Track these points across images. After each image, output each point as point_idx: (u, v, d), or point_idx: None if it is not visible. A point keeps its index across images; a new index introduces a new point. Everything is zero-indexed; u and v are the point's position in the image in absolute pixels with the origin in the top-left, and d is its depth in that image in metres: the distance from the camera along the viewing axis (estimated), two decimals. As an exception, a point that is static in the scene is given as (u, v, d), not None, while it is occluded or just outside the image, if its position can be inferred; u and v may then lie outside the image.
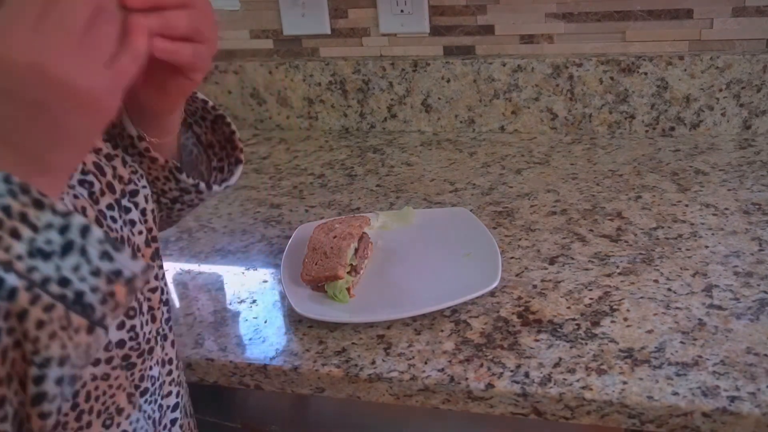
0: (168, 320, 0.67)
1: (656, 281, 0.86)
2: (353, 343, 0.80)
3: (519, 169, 1.19)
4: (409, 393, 0.75)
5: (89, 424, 0.55)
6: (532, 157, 1.24)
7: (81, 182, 0.56)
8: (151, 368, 0.63)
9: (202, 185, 0.70)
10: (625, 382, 0.71)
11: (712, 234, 0.94)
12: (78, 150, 0.46)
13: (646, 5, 1.23)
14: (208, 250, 1.03)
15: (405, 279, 0.90)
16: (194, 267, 0.99)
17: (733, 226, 0.96)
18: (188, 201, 0.73)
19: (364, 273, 0.91)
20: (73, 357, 0.43)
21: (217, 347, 0.82)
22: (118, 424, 0.58)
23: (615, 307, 0.82)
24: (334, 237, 0.90)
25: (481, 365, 0.75)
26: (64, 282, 0.42)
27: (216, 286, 0.95)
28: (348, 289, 0.85)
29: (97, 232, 0.44)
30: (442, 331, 0.80)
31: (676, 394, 0.69)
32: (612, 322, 0.79)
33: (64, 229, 0.42)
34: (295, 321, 0.85)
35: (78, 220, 0.43)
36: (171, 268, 0.99)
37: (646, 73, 1.24)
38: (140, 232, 0.62)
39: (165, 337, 0.66)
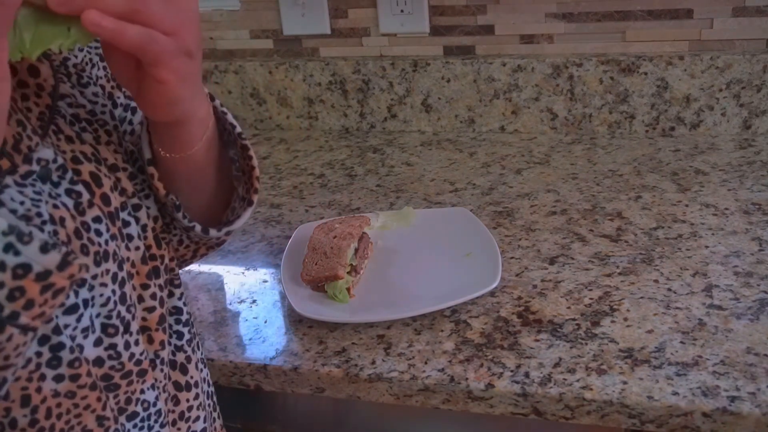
0: (180, 347, 0.64)
1: (656, 281, 0.86)
2: (353, 343, 0.80)
3: (519, 169, 1.19)
4: (409, 393, 0.75)
5: None
6: (532, 157, 1.24)
7: (68, 192, 0.53)
8: (143, 392, 0.59)
9: (197, 228, 0.65)
10: (625, 382, 0.71)
11: (712, 234, 0.94)
12: None
13: (646, 5, 1.23)
14: (208, 250, 1.03)
15: (405, 279, 0.90)
16: (194, 267, 0.99)
17: (733, 226, 0.96)
18: (199, 241, 0.70)
19: (364, 273, 0.91)
20: None
21: (217, 347, 0.82)
22: None
23: (615, 307, 0.82)
24: (334, 237, 0.90)
25: (481, 365, 0.75)
26: None
27: (216, 286, 0.95)
28: (348, 289, 0.85)
29: (0, 224, 0.41)
30: (442, 331, 0.80)
31: (676, 394, 0.69)
32: (612, 322, 0.79)
33: None
34: (295, 321, 0.85)
35: None
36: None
37: (646, 73, 1.24)
38: (137, 248, 0.59)
39: (172, 363, 0.63)
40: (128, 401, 0.58)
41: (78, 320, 0.52)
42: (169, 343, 0.63)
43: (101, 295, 0.54)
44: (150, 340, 0.60)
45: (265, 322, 0.86)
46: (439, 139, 1.36)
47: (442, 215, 1.03)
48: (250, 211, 0.68)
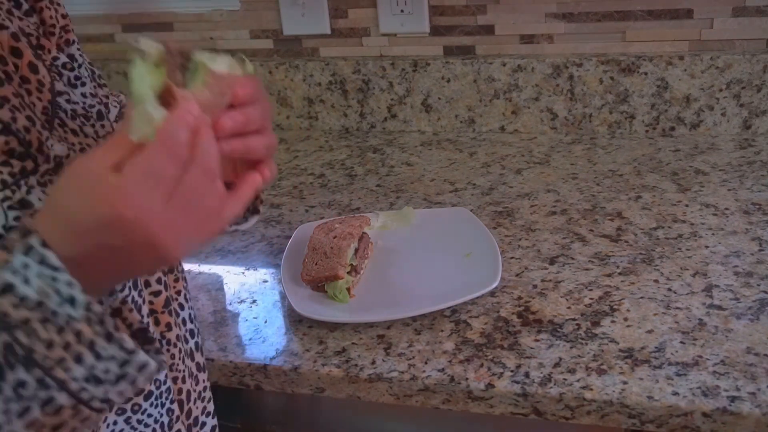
0: (192, 332, 0.67)
1: (656, 281, 0.86)
2: (353, 343, 0.80)
3: (519, 169, 1.19)
4: (409, 393, 0.75)
5: None
6: (532, 157, 1.24)
7: None
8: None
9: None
10: (625, 382, 0.70)
11: (712, 234, 0.94)
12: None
13: (646, 5, 1.23)
14: (208, 250, 1.03)
15: (405, 279, 0.90)
16: (194, 267, 0.99)
17: (733, 226, 0.96)
18: None
19: (364, 273, 0.91)
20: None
21: (217, 347, 0.82)
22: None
23: (615, 307, 0.82)
24: (334, 237, 0.90)
25: (481, 365, 0.75)
26: (106, 401, 0.46)
27: (216, 286, 0.95)
28: (348, 289, 0.85)
29: (151, 367, 0.47)
30: (442, 331, 0.80)
31: (676, 394, 0.69)
32: (612, 322, 0.79)
33: (124, 364, 0.45)
34: (295, 321, 0.85)
35: (139, 358, 0.46)
36: (171, 268, 0.99)
37: (646, 73, 1.24)
38: None
39: (171, 343, 0.65)
40: None
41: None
42: (176, 325, 0.66)
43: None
44: (156, 323, 0.63)
45: (265, 322, 0.86)
46: (439, 139, 1.36)
47: (442, 215, 1.03)
48: (256, 218, 0.71)
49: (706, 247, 0.92)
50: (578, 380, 0.71)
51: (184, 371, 0.67)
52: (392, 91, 1.38)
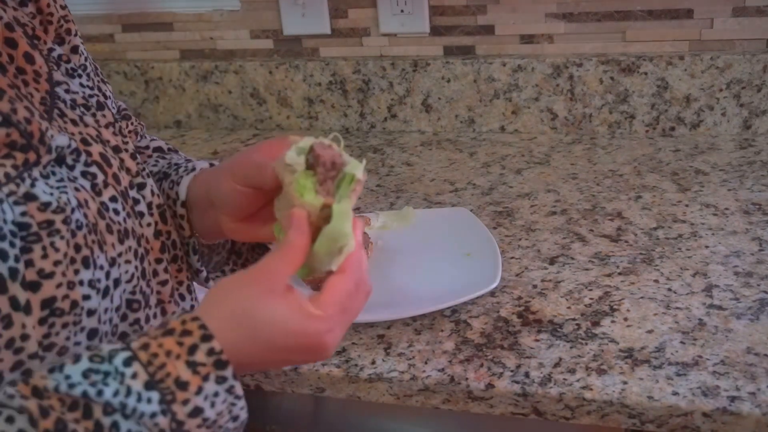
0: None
1: (656, 281, 0.86)
2: (353, 343, 0.80)
3: (519, 169, 1.19)
4: (409, 393, 0.75)
5: None
6: (532, 157, 1.24)
7: (84, 174, 0.55)
8: None
9: (201, 276, 0.70)
10: (625, 382, 0.71)
11: (713, 234, 0.94)
12: None
13: (646, 5, 1.23)
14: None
15: (405, 279, 0.90)
16: (194, 267, 0.99)
17: (733, 226, 0.96)
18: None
19: (364, 273, 0.91)
20: None
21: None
22: None
23: (615, 307, 0.82)
24: (334, 237, 0.90)
25: (481, 365, 0.75)
26: None
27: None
28: (348, 289, 0.85)
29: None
30: (442, 331, 0.80)
31: (676, 394, 0.69)
32: (612, 322, 0.79)
33: None
34: (295, 321, 0.85)
35: None
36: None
37: (646, 73, 1.24)
38: (149, 224, 0.62)
39: None
40: None
41: (111, 301, 0.55)
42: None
43: (126, 271, 0.57)
44: (164, 312, 0.63)
45: (265, 322, 0.86)
46: (439, 139, 1.36)
47: (442, 215, 1.03)
48: None
49: (706, 247, 0.92)
50: (578, 380, 0.71)
51: None
52: (392, 91, 1.38)
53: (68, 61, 0.63)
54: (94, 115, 0.60)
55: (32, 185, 0.49)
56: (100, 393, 0.45)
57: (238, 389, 0.49)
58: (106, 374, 0.46)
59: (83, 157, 0.55)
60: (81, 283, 0.51)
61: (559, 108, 1.31)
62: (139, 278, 0.58)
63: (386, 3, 1.33)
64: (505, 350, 0.77)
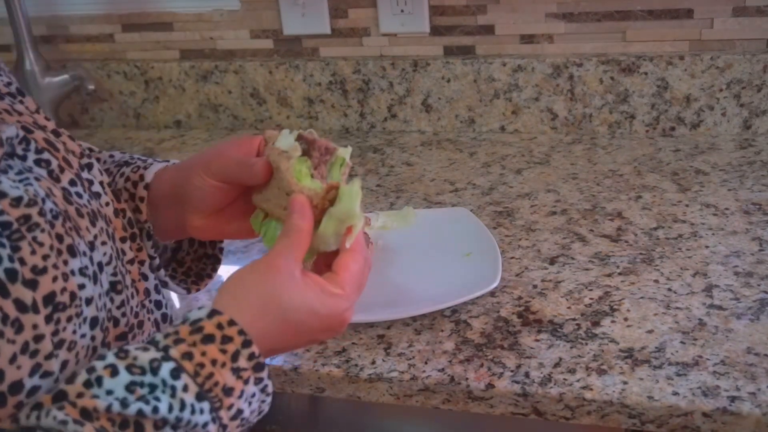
0: (159, 303, 0.65)
1: (656, 281, 0.86)
2: (353, 343, 0.80)
3: (519, 169, 1.19)
4: (409, 393, 0.75)
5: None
6: (532, 157, 1.24)
7: (37, 162, 0.53)
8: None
9: (159, 271, 0.69)
10: (625, 382, 0.70)
11: (713, 234, 0.94)
12: None
13: (646, 5, 1.23)
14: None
15: (405, 279, 0.90)
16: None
17: (733, 226, 0.96)
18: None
19: (364, 273, 0.91)
20: None
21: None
22: None
23: (615, 307, 0.82)
24: (334, 237, 0.90)
25: (481, 365, 0.75)
26: None
27: (216, 287, 0.94)
28: (348, 289, 0.85)
29: None
30: (442, 331, 0.80)
31: (676, 394, 0.69)
32: (612, 322, 0.79)
33: None
34: (295, 321, 0.85)
35: None
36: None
37: (646, 73, 1.24)
38: (107, 204, 0.60)
39: (152, 313, 0.64)
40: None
41: (101, 286, 0.54)
42: (156, 290, 0.65)
43: (105, 254, 0.56)
44: (137, 292, 0.62)
45: (265, 322, 0.86)
46: (439, 139, 1.36)
47: (442, 215, 1.03)
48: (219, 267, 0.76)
49: (707, 247, 0.92)
50: (578, 380, 0.71)
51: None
52: (392, 91, 1.38)
53: None
54: (22, 102, 0.58)
55: None
56: (155, 410, 0.45)
57: (270, 387, 0.51)
58: (153, 387, 0.45)
59: (33, 145, 0.54)
60: (73, 273, 0.50)
61: (559, 108, 1.31)
62: (115, 258, 0.58)
63: (386, 3, 1.33)
64: (505, 350, 0.77)
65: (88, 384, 0.45)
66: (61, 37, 1.53)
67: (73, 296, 0.49)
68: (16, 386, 0.45)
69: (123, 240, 0.61)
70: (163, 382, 0.46)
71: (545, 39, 1.30)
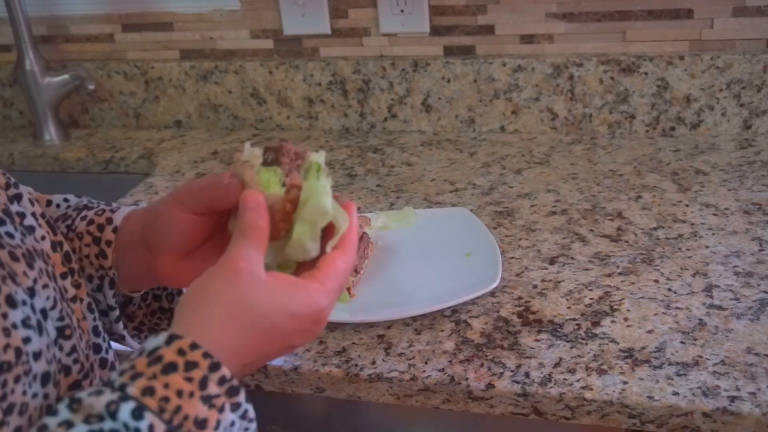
0: (98, 346, 0.58)
1: (656, 281, 0.86)
2: (353, 343, 0.80)
3: (519, 169, 1.19)
4: (409, 393, 0.75)
5: None
6: (532, 157, 1.24)
7: None
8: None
9: (115, 318, 0.63)
10: (625, 382, 0.70)
11: (713, 234, 0.94)
12: None
13: (646, 5, 1.23)
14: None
15: (405, 279, 0.90)
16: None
17: (733, 226, 0.96)
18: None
19: (364, 273, 0.91)
20: None
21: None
22: None
23: (615, 307, 0.82)
24: (334, 237, 0.90)
25: (482, 365, 0.75)
26: None
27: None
28: (348, 289, 0.85)
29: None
30: (442, 331, 0.80)
31: (676, 394, 0.69)
32: (612, 322, 0.79)
33: None
34: (295, 321, 0.85)
35: None
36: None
37: (646, 73, 1.24)
38: (42, 237, 0.54)
39: (102, 351, 0.58)
40: None
41: (47, 335, 0.47)
42: (94, 332, 0.58)
43: (48, 297, 0.49)
44: (83, 331, 0.56)
45: (265, 322, 0.86)
46: (439, 139, 1.36)
47: (442, 215, 1.03)
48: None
49: (707, 247, 0.92)
50: (578, 380, 0.71)
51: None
52: (392, 91, 1.38)
53: None
54: None
55: None
56: None
57: (251, 412, 0.47)
58: None
59: None
60: (15, 326, 0.44)
61: (559, 108, 1.31)
62: (59, 300, 0.51)
63: (386, 3, 1.33)
64: (505, 350, 0.77)
65: None
66: (61, 37, 1.53)
67: (18, 353, 0.44)
68: None
69: (63, 276, 0.55)
70: (125, 426, 0.40)
71: (545, 39, 1.30)
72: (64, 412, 0.41)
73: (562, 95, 1.30)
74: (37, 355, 0.46)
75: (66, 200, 0.67)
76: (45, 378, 0.46)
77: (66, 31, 1.52)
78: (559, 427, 0.74)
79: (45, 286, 0.49)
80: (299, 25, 1.39)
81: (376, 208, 1.10)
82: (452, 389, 0.73)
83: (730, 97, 1.23)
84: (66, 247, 0.57)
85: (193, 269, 0.57)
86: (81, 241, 0.61)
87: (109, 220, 0.61)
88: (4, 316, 0.44)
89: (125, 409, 0.41)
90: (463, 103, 1.35)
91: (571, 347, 0.76)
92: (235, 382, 0.46)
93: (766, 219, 0.97)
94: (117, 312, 0.63)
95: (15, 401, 0.43)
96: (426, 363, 0.76)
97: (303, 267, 0.54)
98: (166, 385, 0.43)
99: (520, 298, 0.85)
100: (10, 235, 0.49)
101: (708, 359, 0.72)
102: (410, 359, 0.77)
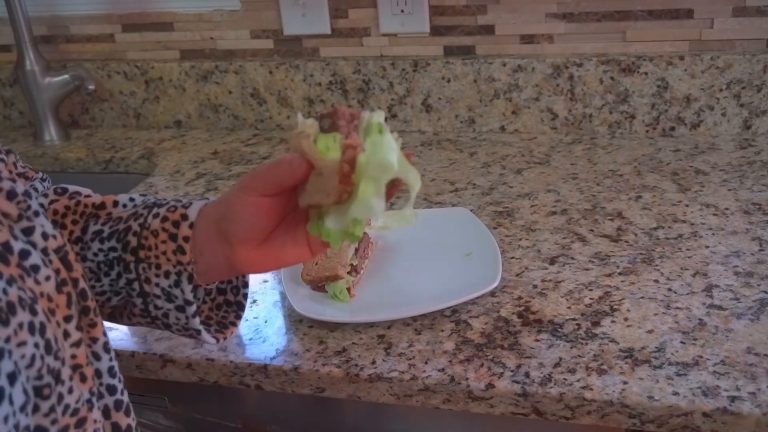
0: (113, 388, 0.54)
1: (656, 281, 0.86)
2: (353, 343, 0.80)
3: (519, 169, 1.19)
4: (409, 393, 0.75)
5: None
6: (532, 157, 1.24)
7: None
8: None
9: (191, 309, 0.64)
10: (625, 382, 0.71)
11: (713, 234, 0.94)
12: None
13: (647, 5, 1.23)
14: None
15: (405, 279, 0.90)
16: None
17: (733, 226, 0.96)
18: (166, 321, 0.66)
19: (364, 273, 0.91)
20: None
21: (218, 347, 0.82)
22: None
23: (615, 307, 0.82)
24: (335, 237, 0.90)
25: (482, 365, 0.75)
26: None
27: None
28: (348, 289, 0.85)
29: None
30: (442, 331, 0.80)
31: (676, 394, 0.69)
32: (612, 322, 0.79)
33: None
34: (295, 321, 0.85)
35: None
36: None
37: (646, 73, 1.24)
38: (47, 278, 0.48)
39: (102, 398, 0.54)
40: None
41: (10, 403, 0.41)
42: (110, 373, 0.55)
43: (23, 356, 0.44)
44: (83, 379, 0.50)
45: (266, 322, 0.86)
46: (439, 139, 1.36)
47: (442, 215, 1.03)
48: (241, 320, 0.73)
49: (707, 247, 0.92)
50: (578, 380, 0.71)
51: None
52: (392, 91, 1.38)
53: None
54: None
55: None
56: None
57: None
58: None
59: None
60: None
61: (559, 108, 1.31)
62: (42, 357, 0.45)
63: (386, 3, 1.33)
64: (505, 350, 0.77)
65: None
66: (61, 37, 1.53)
67: None
68: None
69: (68, 319, 0.50)
70: None
71: (545, 39, 1.30)
72: None
73: (562, 95, 1.30)
74: None
75: (132, 199, 0.69)
76: None
77: (66, 31, 1.52)
78: (559, 427, 0.74)
79: (21, 344, 0.44)
80: (299, 25, 1.39)
81: (376, 208, 1.10)
82: (452, 389, 0.73)
83: (730, 97, 1.23)
84: (82, 283, 0.52)
85: (272, 254, 0.60)
86: (156, 239, 0.62)
87: (184, 216, 0.62)
88: None
89: None
90: (463, 103, 1.35)
91: (571, 347, 0.76)
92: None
93: (766, 219, 0.97)
94: (194, 307, 0.64)
95: None
96: (426, 363, 0.76)
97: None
98: None
99: (520, 298, 0.85)
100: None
101: (708, 359, 0.72)
102: (410, 359, 0.77)
